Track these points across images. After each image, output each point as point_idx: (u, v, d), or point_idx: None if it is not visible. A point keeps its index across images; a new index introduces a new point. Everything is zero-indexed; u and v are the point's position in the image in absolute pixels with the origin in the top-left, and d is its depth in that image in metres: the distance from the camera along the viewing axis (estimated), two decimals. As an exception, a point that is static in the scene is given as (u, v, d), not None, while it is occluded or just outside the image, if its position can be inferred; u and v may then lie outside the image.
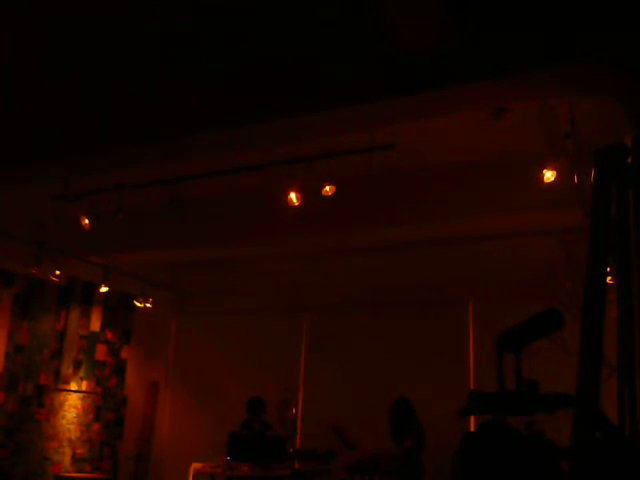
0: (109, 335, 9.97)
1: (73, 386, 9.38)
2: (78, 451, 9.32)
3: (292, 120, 4.45)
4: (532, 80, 3.87)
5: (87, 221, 6.92)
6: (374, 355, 8.44)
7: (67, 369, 9.35)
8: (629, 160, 2.12)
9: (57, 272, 7.93)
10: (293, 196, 5.98)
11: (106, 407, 9.76)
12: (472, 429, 6.87)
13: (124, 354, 10.15)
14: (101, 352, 9.83)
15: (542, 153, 5.37)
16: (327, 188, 5.85)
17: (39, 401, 8.94)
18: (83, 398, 9.47)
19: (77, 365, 9.49)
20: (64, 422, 9.19)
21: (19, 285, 8.88)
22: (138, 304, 9.25)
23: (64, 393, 9.25)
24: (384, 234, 7.49)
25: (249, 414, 7.97)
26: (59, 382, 9.21)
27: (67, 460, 9.16)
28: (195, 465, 7.61)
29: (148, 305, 9.23)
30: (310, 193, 5.94)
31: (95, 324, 9.82)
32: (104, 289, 8.72)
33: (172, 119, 4.71)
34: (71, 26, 4.54)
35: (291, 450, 7.74)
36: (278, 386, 8.22)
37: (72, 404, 9.31)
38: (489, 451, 2.04)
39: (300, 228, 6.98)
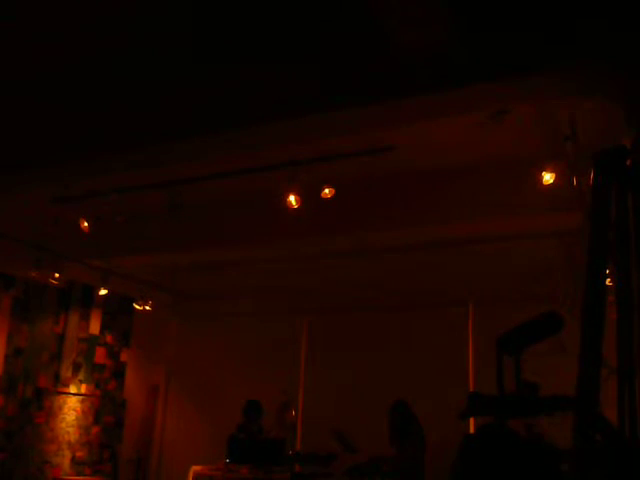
0: (108, 338, 9.97)
1: (72, 389, 9.37)
2: (77, 454, 9.31)
3: (292, 122, 4.45)
4: (532, 82, 3.87)
5: (86, 224, 6.92)
6: (374, 357, 8.43)
7: (66, 372, 9.34)
8: (628, 162, 2.12)
9: (56, 275, 7.92)
10: (292, 198, 5.98)
11: (105, 410, 9.75)
12: (472, 431, 6.86)
13: (123, 357, 10.14)
14: (100, 355, 9.83)
15: (541, 155, 5.37)
16: (326, 190, 5.85)
17: (38, 404, 8.93)
18: (82, 401, 9.46)
19: (76, 368, 9.48)
20: (63, 425, 9.18)
21: (18, 288, 8.88)
22: (137, 307, 9.24)
23: (63, 396, 9.24)
24: (383, 236, 7.49)
25: (246, 417, 7.96)
26: (58, 385, 9.21)
27: (66, 463, 9.16)
28: (194, 468, 7.60)
29: (147, 308, 9.22)
30: (309, 195, 5.94)
31: (94, 327, 9.82)
32: (103, 292, 8.72)
33: (172, 122, 4.71)
34: (69, 29, 4.55)
35: (290, 452, 7.73)
36: (278, 389, 8.22)
37: (71, 407, 9.31)
38: (489, 454, 2.04)
39: (299, 230, 6.98)
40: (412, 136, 5.64)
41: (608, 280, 2.08)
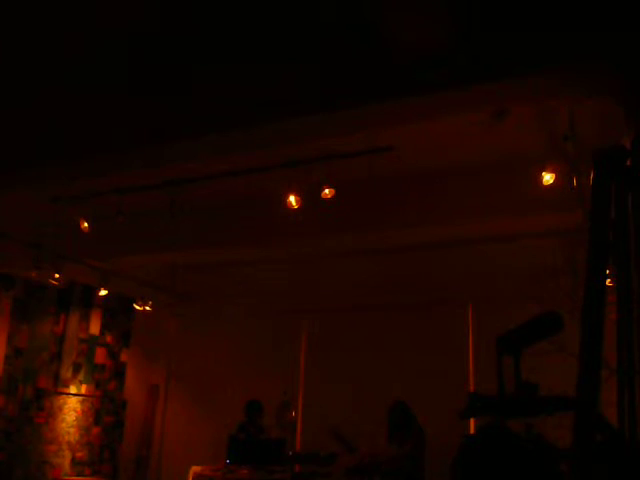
0: (108, 338, 9.97)
1: (72, 389, 9.37)
2: (78, 454, 9.31)
3: (291, 123, 4.45)
4: (532, 82, 3.87)
5: (86, 224, 6.92)
6: (374, 357, 8.43)
7: (66, 372, 9.34)
8: (628, 162, 2.11)
9: (56, 275, 7.92)
10: (292, 199, 5.98)
11: (106, 410, 9.75)
12: (472, 431, 6.86)
13: (123, 357, 10.14)
14: (100, 355, 9.83)
15: (541, 155, 5.37)
16: (326, 191, 5.85)
17: (38, 404, 8.93)
18: (82, 401, 9.46)
19: (76, 368, 9.48)
20: (64, 425, 9.18)
21: (18, 288, 8.88)
22: (137, 307, 9.24)
23: (63, 396, 9.24)
24: (383, 237, 7.49)
25: (246, 417, 7.96)
26: (58, 385, 9.21)
27: (67, 463, 9.15)
28: (194, 468, 7.60)
29: (147, 308, 9.22)
30: (309, 196, 5.94)
31: (94, 327, 9.82)
32: (103, 292, 8.72)
33: (172, 122, 4.71)
34: (70, 28, 4.55)
35: (290, 453, 7.73)
36: (278, 389, 8.22)
37: (72, 407, 9.30)
38: (488, 454, 2.04)
39: (299, 231, 6.98)
40: (412, 136, 5.64)
41: (608, 280, 2.08)
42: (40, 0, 4.36)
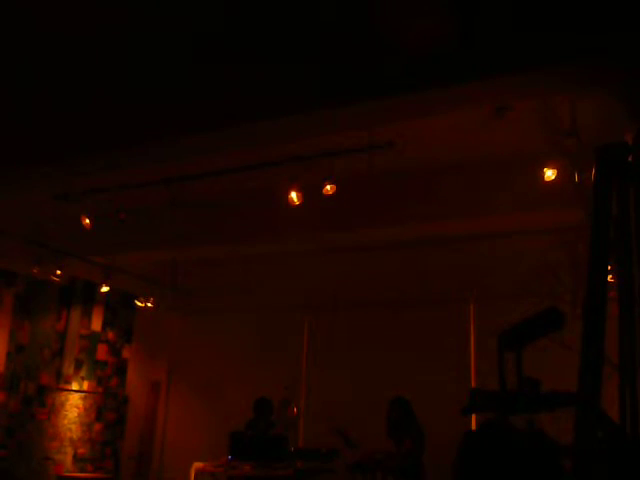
0: (110, 335, 9.98)
1: (74, 386, 9.39)
2: (80, 451, 9.33)
3: (293, 119, 4.45)
4: (533, 79, 3.87)
5: (88, 221, 6.92)
6: (375, 354, 8.44)
7: (68, 369, 9.36)
8: (630, 158, 2.11)
9: (58, 272, 7.93)
10: (294, 195, 5.97)
11: (107, 407, 9.77)
12: (473, 428, 6.86)
13: (125, 354, 10.16)
14: (102, 352, 9.84)
15: (543, 151, 5.37)
16: (328, 187, 5.85)
17: (40, 401, 8.95)
18: (84, 398, 9.48)
19: (78, 365, 9.50)
20: (66, 422, 9.20)
21: (20, 285, 8.89)
22: (139, 303, 9.25)
23: (65, 393, 9.26)
24: (385, 233, 7.49)
25: (255, 414, 7.93)
26: (60, 382, 9.22)
27: (69, 460, 9.18)
28: (196, 464, 7.60)
29: (149, 304, 9.23)
30: (311, 192, 5.93)
31: (96, 324, 9.83)
32: (105, 289, 8.72)
33: (172, 119, 4.71)
34: (69, 28, 4.54)
35: (292, 449, 7.74)
36: (279, 385, 8.22)
37: (73, 404, 9.32)
38: (490, 450, 2.04)
39: (301, 227, 6.98)
40: (413, 133, 5.64)
41: (610, 276, 2.08)
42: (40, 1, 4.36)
